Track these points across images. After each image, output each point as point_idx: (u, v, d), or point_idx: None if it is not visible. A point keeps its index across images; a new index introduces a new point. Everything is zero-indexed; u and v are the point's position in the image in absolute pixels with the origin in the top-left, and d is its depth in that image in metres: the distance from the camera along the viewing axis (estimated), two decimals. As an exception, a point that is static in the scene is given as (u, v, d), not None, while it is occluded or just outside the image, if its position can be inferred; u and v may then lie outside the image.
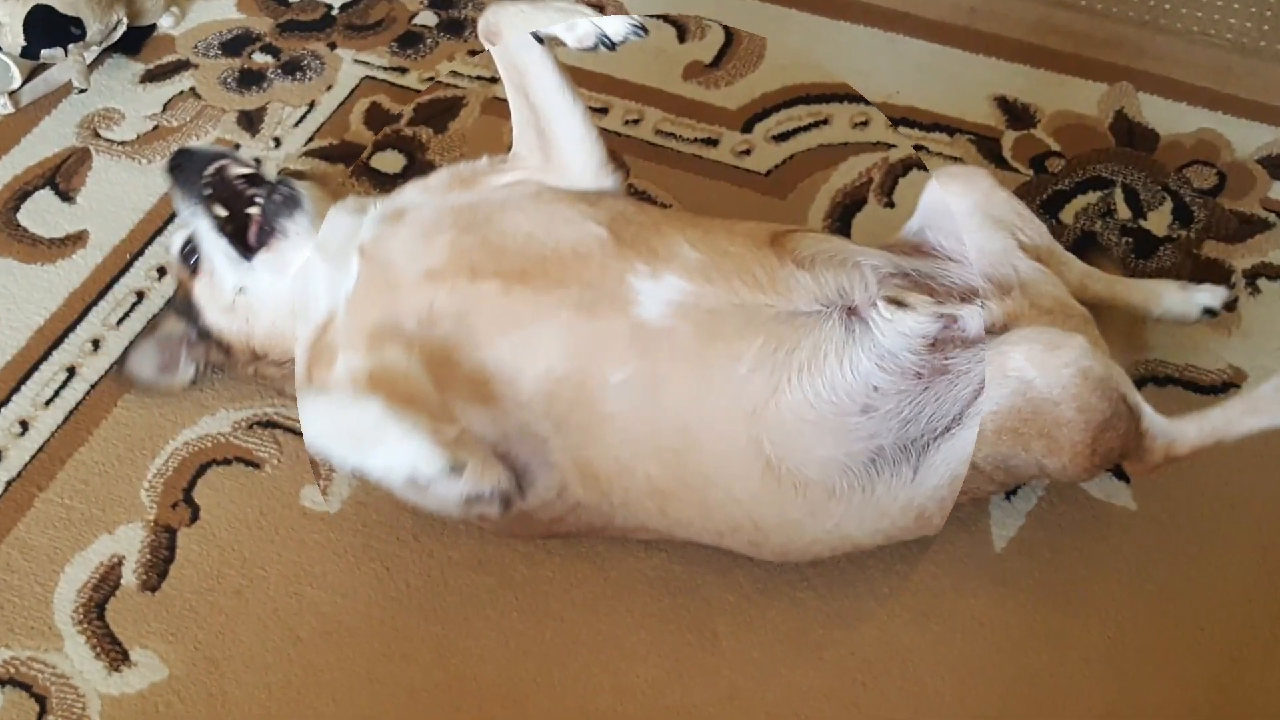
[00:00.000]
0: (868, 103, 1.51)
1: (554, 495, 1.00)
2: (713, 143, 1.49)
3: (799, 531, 0.99)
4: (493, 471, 0.95)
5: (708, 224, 1.04)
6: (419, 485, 0.90)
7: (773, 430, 0.94)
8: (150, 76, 1.59)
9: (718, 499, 0.98)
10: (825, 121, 1.51)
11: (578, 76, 1.13)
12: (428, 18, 1.67)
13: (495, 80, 1.51)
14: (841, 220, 1.40)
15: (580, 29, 1.04)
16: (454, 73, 1.58)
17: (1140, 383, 1.19)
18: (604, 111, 1.52)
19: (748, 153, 1.48)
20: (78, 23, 1.50)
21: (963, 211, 1.07)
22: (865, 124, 1.49)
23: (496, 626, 1.08)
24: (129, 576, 1.12)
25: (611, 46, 1.04)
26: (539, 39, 1.07)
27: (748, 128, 1.51)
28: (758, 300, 0.97)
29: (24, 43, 1.49)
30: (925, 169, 1.42)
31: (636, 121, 1.52)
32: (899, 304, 0.97)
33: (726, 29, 1.61)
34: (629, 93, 1.55)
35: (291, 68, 1.60)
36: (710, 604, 1.09)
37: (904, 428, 0.95)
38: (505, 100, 1.15)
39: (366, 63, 1.61)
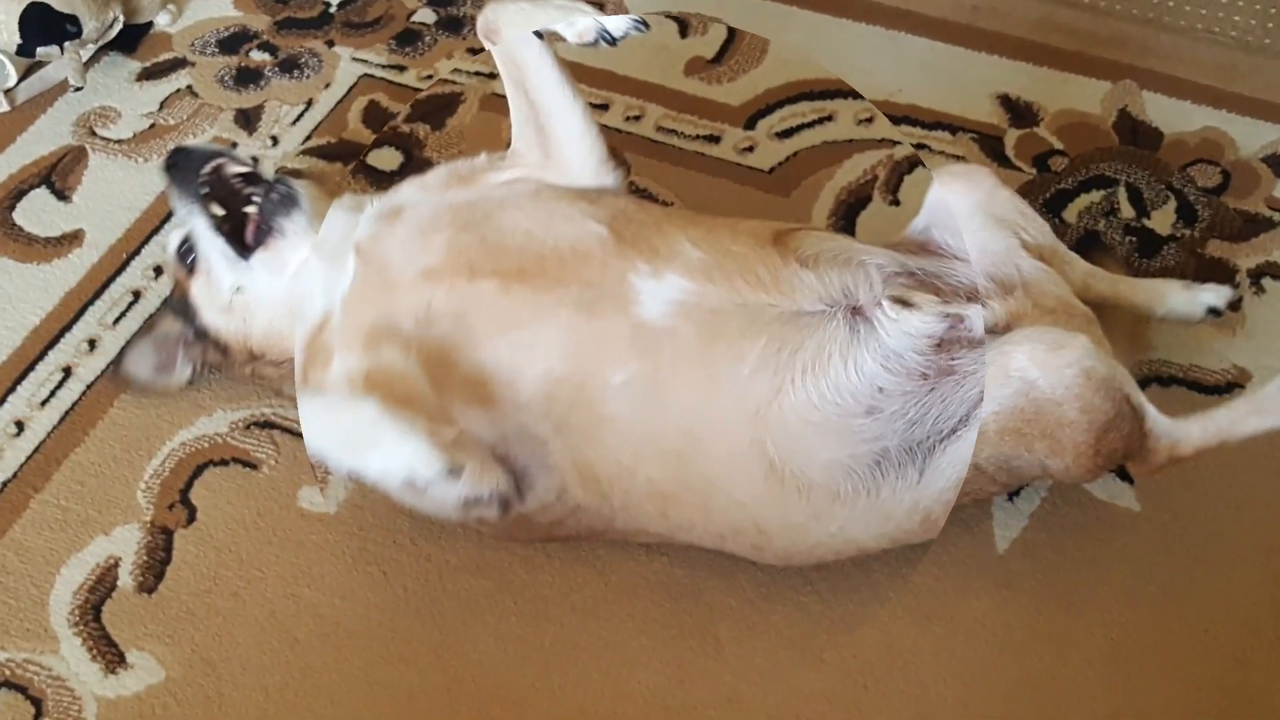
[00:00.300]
0: (865, 100, 1.50)
1: (553, 498, 0.99)
2: (715, 140, 1.48)
3: (803, 535, 0.99)
4: (491, 474, 0.94)
5: (710, 222, 1.04)
6: (416, 488, 0.89)
7: (776, 432, 0.94)
8: (147, 74, 1.58)
9: (720, 502, 0.97)
10: (829, 118, 1.50)
11: (578, 72, 1.12)
12: (426, 15, 1.66)
13: (494, 76, 1.51)
14: (846, 218, 1.39)
15: (580, 24, 1.03)
16: (456, 70, 1.57)
17: (1144, 383, 1.18)
18: (604, 108, 1.51)
19: (750, 150, 1.47)
20: (73, 20, 1.50)
21: (965, 211, 1.06)
22: (870, 120, 1.48)
23: (495, 631, 1.07)
24: (125, 578, 1.11)
25: (612, 42, 1.03)
26: (538, 34, 1.06)
27: (750, 124, 1.50)
28: (761, 300, 0.96)
29: (19, 40, 1.48)
30: (925, 168, 1.41)
31: (637, 118, 1.51)
32: (904, 303, 0.96)
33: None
34: (630, 89, 1.54)
35: (289, 66, 1.59)
36: (712, 609, 1.08)
37: (909, 429, 0.94)
38: (504, 96, 1.14)
39: (365, 60, 1.60)
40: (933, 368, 0.95)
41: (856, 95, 1.51)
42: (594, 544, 1.12)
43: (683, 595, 1.09)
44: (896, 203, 1.41)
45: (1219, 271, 1.34)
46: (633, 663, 1.05)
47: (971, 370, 0.95)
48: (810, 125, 1.49)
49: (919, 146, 1.47)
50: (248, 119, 1.53)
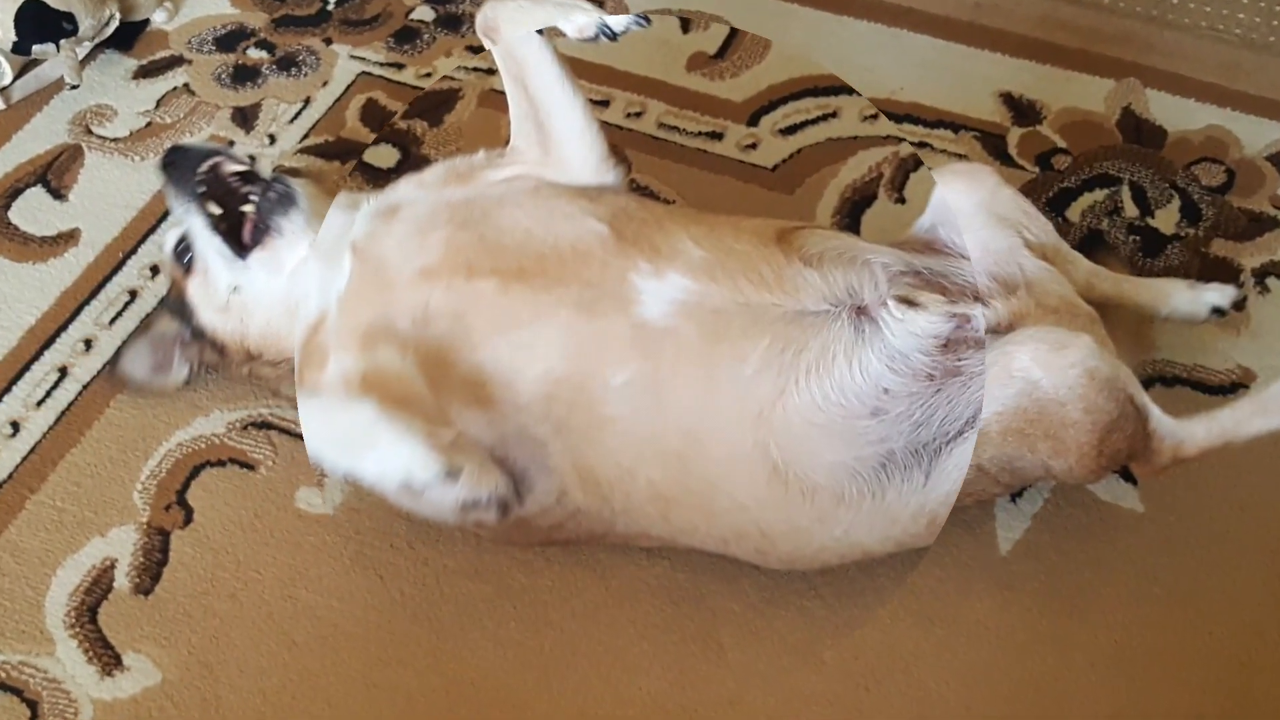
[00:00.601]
0: (864, 99, 1.49)
1: (553, 501, 0.99)
2: (717, 136, 1.47)
3: (807, 539, 0.98)
4: (490, 476, 0.93)
5: (712, 220, 1.03)
6: (413, 491, 0.88)
7: (780, 434, 0.93)
8: (143, 72, 1.57)
9: (723, 505, 0.96)
10: (834, 114, 1.49)
11: (578, 68, 1.11)
12: (425, 13, 1.65)
13: (492, 72, 1.50)
14: (851, 216, 1.38)
15: (580, 20, 1.02)
16: (460, 67, 1.56)
17: (1148, 383, 1.18)
18: (605, 104, 1.50)
19: (754, 147, 1.46)
20: (69, 18, 1.49)
21: (967, 209, 1.05)
22: (875, 117, 1.47)
23: (494, 637, 1.07)
24: (121, 580, 1.11)
25: (613, 37, 1.02)
26: (538, 30, 1.05)
27: (754, 121, 1.49)
28: (764, 299, 0.95)
29: (15, 38, 1.48)
30: (928, 167, 1.40)
31: (639, 114, 1.50)
32: (910, 303, 0.95)
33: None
34: (631, 85, 1.53)
35: (286, 63, 1.58)
36: (715, 614, 1.07)
37: (915, 431, 0.93)
38: (502, 92, 1.13)
39: (363, 58, 1.59)
40: (939, 368, 0.94)
41: (854, 94, 1.50)
42: (594, 548, 1.11)
43: (685, 600, 1.08)
44: (902, 200, 1.40)
45: (1223, 271, 1.33)
46: (634, 668, 1.05)
47: (978, 371, 0.94)
48: (814, 122, 1.48)
49: (921, 145, 1.46)
50: (245, 117, 1.52)
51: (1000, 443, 0.95)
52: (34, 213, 1.42)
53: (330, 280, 1.03)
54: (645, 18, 1.02)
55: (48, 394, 1.25)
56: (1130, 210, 1.39)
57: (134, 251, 1.38)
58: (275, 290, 1.08)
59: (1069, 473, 0.97)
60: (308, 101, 1.53)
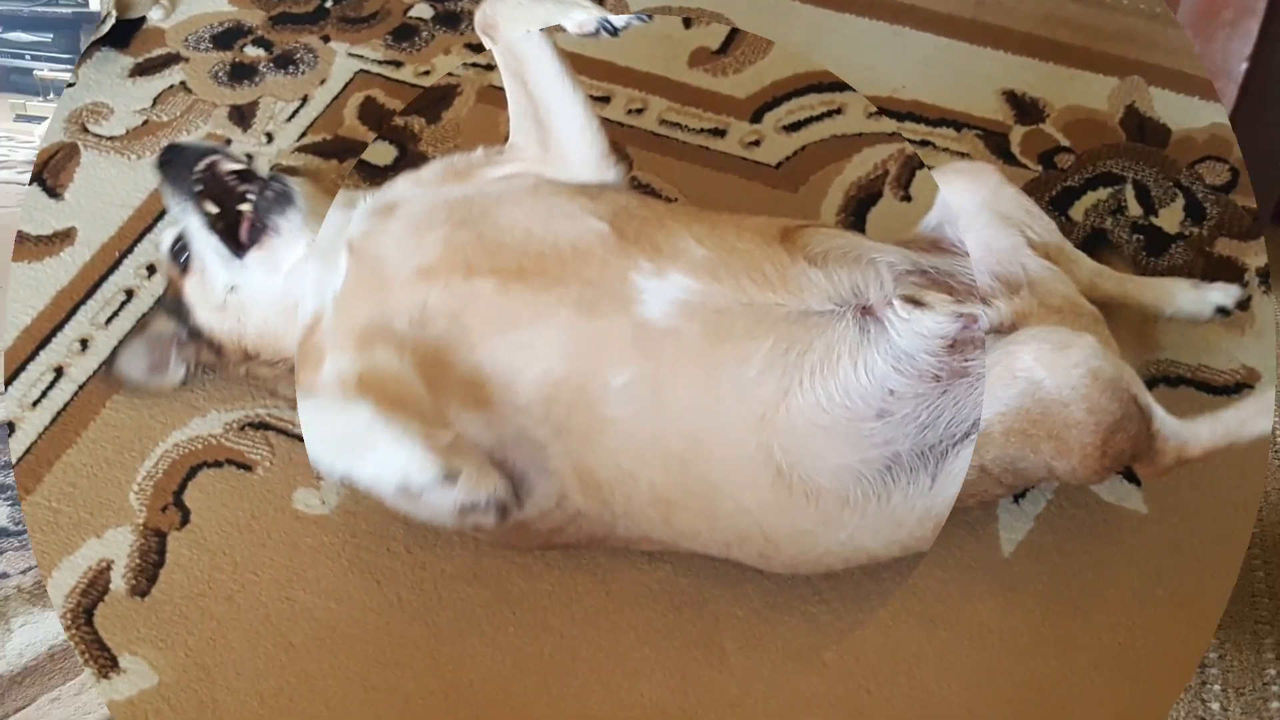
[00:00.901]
0: (849, 89, 1.48)
1: (553, 504, 0.98)
2: (720, 133, 1.46)
3: (811, 543, 0.97)
4: (488, 479, 0.92)
5: (715, 219, 1.02)
6: (411, 493, 0.87)
7: (783, 436, 0.92)
8: (140, 70, 1.56)
9: (725, 508, 0.96)
10: (838, 111, 1.48)
11: (578, 64, 1.10)
12: (423, 10, 1.65)
13: (491, 67, 1.49)
14: (856, 215, 1.37)
15: (580, 16, 1.01)
16: (465, 65, 1.55)
17: (1151, 383, 1.17)
18: (606, 100, 1.49)
19: (757, 144, 1.45)
20: (65, 14, 1.48)
21: (970, 209, 1.05)
22: (880, 114, 1.46)
23: (493, 642, 1.06)
24: (118, 581, 1.10)
25: (613, 32, 1.02)
26: (537, 26, 1.04)
27: (757, 117, 1.48)
28: (767, 299, 0.94)
29: (10, 34, 1.47)
30: (926, 166, 1.40)
31: (640, 111, 1.49)
32: (916, 303, 0.94)
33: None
34: (632, 81, 1.52)
35: (284, 61, 1.57)
36: (718, 619, 1.07)
37: (921, 433, 0.93)
38: (501, 89, 1.12)
39: (361, 56, 1.58)
40: (945, 369, 0.93)
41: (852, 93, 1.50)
42: (595, 552, 1.10)
43: (687, 605, 1.07)
44: (908, 198, 1.39)
45: (1227, 270, 1.32)
46: (634, 674, 1.04)
47: (984, 372, 0.93)
48: (819, 118, 1.47)
49: (923, 143, 1.45)
50: (242, 115, 1.51)
51: (1003, 443, 0.94)
52: (30, 211, 1.41)
53: (326, 279, 1.02)
54: (646, 14, 1.01)
55: (43, 394, 1.24)
56: (1134, 209, 1.39)
57: (130, 250, 1.37)
58: (272, 289, 1.08)
59: (1072, 473, 0.96)
60: (305, 99, 1.53)
